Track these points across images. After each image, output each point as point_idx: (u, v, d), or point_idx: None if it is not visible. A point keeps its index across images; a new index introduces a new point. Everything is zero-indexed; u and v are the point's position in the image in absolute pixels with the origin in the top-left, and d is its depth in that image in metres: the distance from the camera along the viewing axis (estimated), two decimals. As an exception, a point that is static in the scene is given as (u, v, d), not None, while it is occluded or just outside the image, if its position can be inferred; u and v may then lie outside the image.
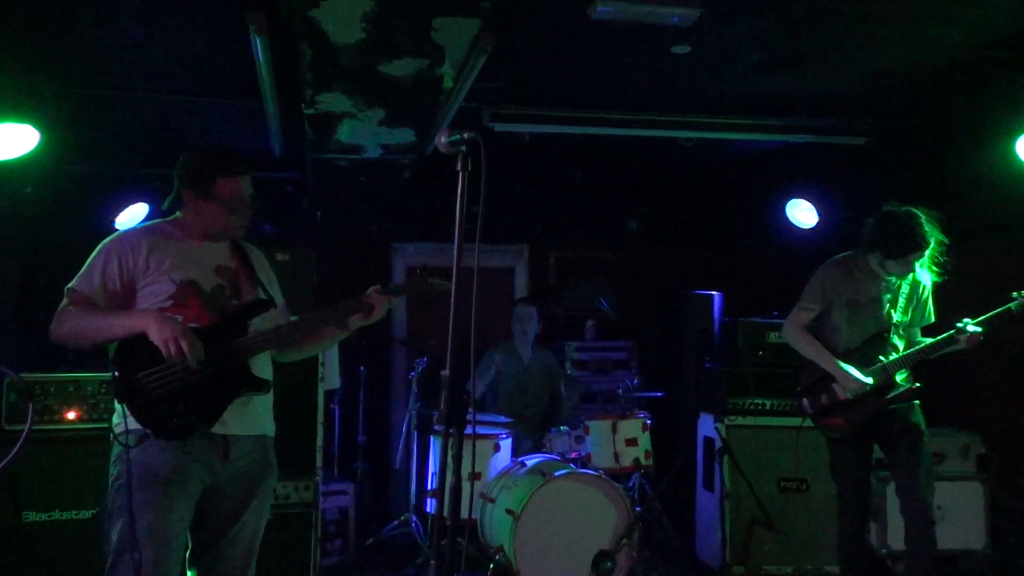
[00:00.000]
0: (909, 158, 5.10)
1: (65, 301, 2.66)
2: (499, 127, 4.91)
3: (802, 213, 6.03)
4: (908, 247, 3.78)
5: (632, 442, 4.94)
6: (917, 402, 3.97)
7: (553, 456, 4.84)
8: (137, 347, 2.50)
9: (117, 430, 2.56)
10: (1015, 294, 3.75)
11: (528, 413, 5.76)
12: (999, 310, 3.75)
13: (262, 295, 2.82)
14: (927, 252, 3.82)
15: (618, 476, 4.80)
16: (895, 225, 3.82)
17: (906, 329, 3.98)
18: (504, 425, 5.16)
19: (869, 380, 3.86)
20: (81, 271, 2.69)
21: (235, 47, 3.70)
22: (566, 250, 7.19)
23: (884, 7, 3.53)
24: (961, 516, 4.78)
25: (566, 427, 5.10)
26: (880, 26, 3.75)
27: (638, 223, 7.10)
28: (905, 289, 3.97)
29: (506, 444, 5.02)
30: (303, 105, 3.90)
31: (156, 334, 2.46)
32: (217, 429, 2.60)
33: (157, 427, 2.51)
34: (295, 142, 5.06)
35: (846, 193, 5.71)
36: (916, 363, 3.91)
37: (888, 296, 3.97)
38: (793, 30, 3.81)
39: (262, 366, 2.77)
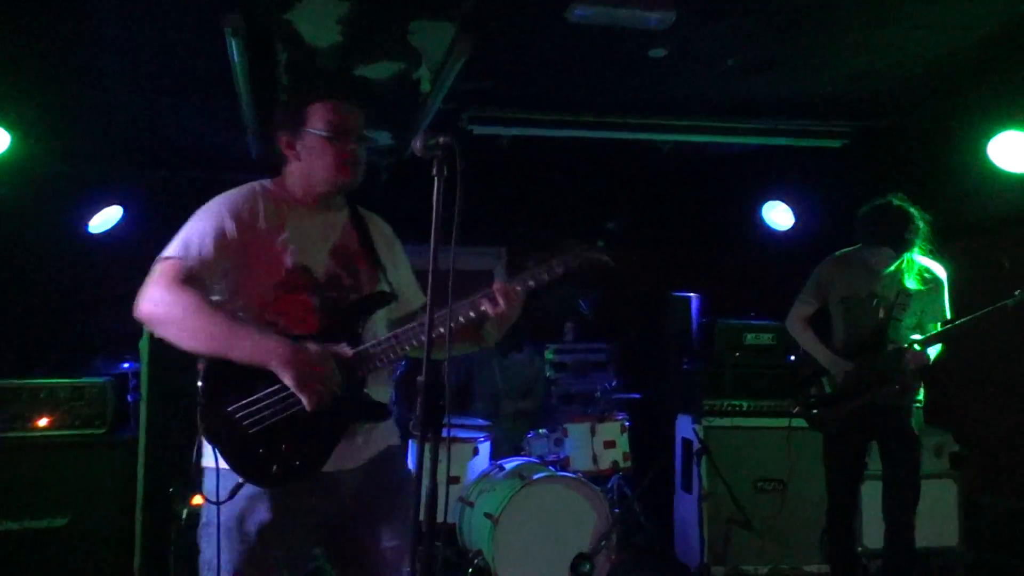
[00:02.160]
0: (884, 161, 5.15)
1: (163, 274, 2.07)
2: (478, 130, 4.90)
3: (779, 215, 6.08)
4: (881, 238, 3.84)
5: (611, 444, 4.95)
6: (918, 405, 3.96)
7: (532, 459, 4.84)
8: (231, 369, 2.01)
9: (206, 481, 2.07)
10: (1017, 292, 3.60)
11: (508, 415, 5.75)
12: (990, 309, 3.65)
13: (383, 285, 2.30)
14: (911, 251, 3.86)
15: (597, 478, 4.81)
16: (879, 214, 3.86)
17: (914, 328, 3.91)
18: (483, 428, 5.15)
19: (849, 368, 3.90)
20: (180, 235, 2.12)
21: (212, 47, 3.66)
22: (545, 252, 7.17)
23: (859, 12, 3.57)
24: (934, 514, 4.82)
25: (545, 429, 5.11)
26: (855, 30, 3.78)
27: (617, 225, 7.10)
28: (910, 286, 3.91)
29: (485, 447, 5.02)
30: (277, 108, 3.87)
31: (293, 380, 1.98)
32: (328, 466, 2.13)
33: (252, 474, 2.04)
34: (273, 144, 5.02)
35: (822, 195, 5.76)
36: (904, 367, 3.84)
37: (885, 293, 3.95)
38: (769, 34, 3.83)
39: (378, 383, 2.25)
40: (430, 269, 1.92)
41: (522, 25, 3.61)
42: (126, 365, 5.07)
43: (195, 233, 2.13)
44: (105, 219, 5.50)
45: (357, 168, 2.24)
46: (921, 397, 4.00)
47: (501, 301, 2.22)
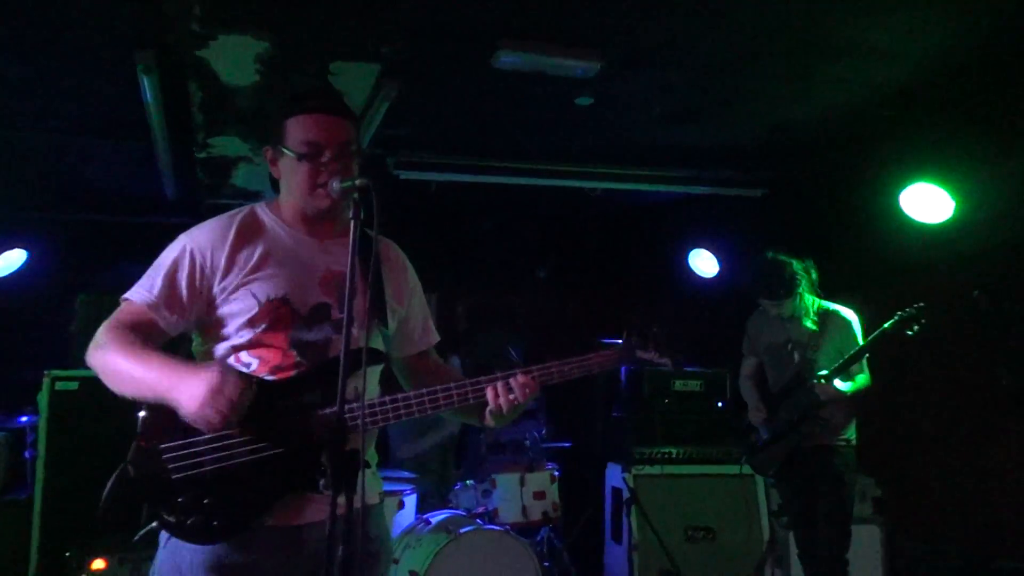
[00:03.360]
0: (802, 209, 5.28)
1: (111, 318, 1.93)
2: (404, 175, 4.84)
3: (703, 262, 6.16)
4: (763, 291, 4.03)
5: (540, 495, 4.83)
6: (844, 443, 4.01)
7: (459, 512, 4.68)
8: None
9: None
10: (898, 314, 3.79)
11: (433, 466, 5.59)
12: (875, 334, 3.80)
13: (384, 331, 2.06)
14: (797, 295, 3.99)
15: (526, 530, 4.68)
16: (758, 270, 4.08)
17: (831, 372, 3.90)
18: (409, 480, 4.98)
19: (762, 412, 4.08)
20: (146, 273, 1.97)
21: (125, 86, 3.52)
22: (475, 298, 7.11)
23: (775, 66, 3.67)
24: (859, 559, 4.83)
25: (472, 480, 4.96)
26: (773, 83, 3.89)
27: (547, 271, 7.10)
28: (820, 329, 4.02)
29: (411, 500, 4.83)
30: (194, 148, 3.73)
31: (195, 413, 1.74)
32: (278, 520, 1.89)
33: (171, 524, 1.84)
34: (189, 186, 4.85)
35: (745, 243, 5.86)
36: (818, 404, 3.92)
37: (799, 338, 4.08)
38: (691, 85, 3.91)
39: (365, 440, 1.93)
40: (345, 315, 1.79)
41: (448, 71, 3.59)
42: (24, 419, 4.75)
43: (152, 271, 1.97)
44: (6, 263, 5.19)
45: (337, 193, 1.93)
46: (852, 436, 4.07)
47: (517, 390, 1.98)
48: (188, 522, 1.84)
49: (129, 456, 1.87)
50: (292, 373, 1.95)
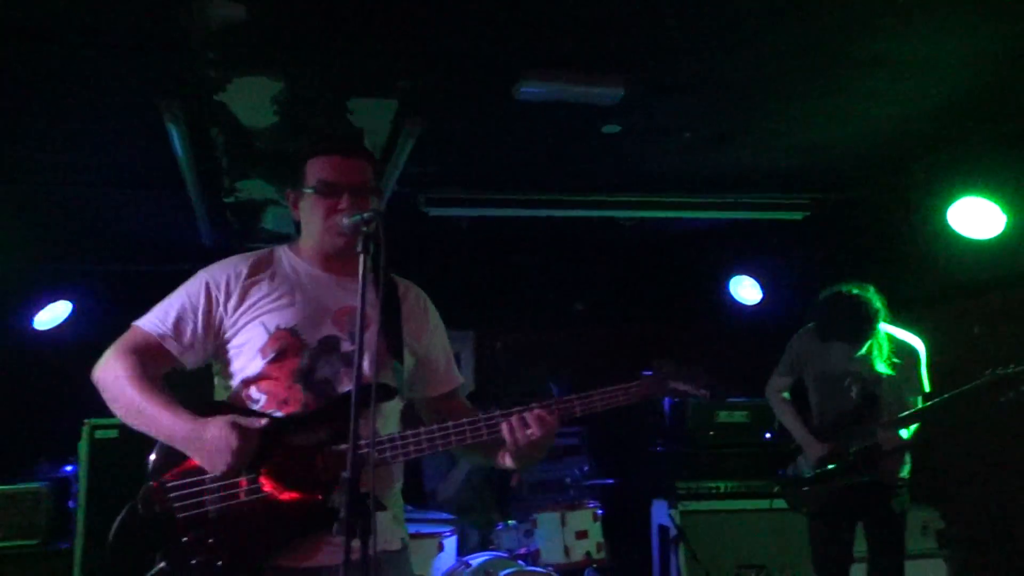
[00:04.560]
0: (846, 232, 5.12)
1: (119, 341, 1.98)
2: (434, 212, 4.82)
3: (745, 290, 6.01)
4: (832, 333, 3.77)
5: (583, 534, 4.68)
6: (900, 483, 3.79)
7: (500, 553, 4.56)
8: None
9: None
10: (988, 371, 3.48)
11: (476, 507, 5.48)
12: (959, 392, 3.49)
13: (398, 366, 2.01)
14: (874, 337, 3.73)
15: (569, 571, 4.54)
16: (828, 307, 3.79)
17: (894, 403, 3.76)
18: (448, 522, 4.88)
19: (823, 451, 3.76)
20: (160, 304, 2.02)
21: (156, 137, 3.58)
22: (513, 334, 7.05)
23: (806, 84, 3.56)
24: (925, 597, 4.60)
25: (514, 521, 4.85)
26: (806, 102, 3.78)
27: (584, 304, 7.01)
28: (884, 362, 3.77)
29: (450, 542, 4.73)
30: (222, 193, 3.77)
31: (207, 461, 1.80)
32: (290, 562, 1.85)
33: (177, 564, 1.81)
34: (224, 232, 4.91)
35: (788, 268, 5.71)
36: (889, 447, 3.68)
37: (859, 370, 3.82)
38: (721, 108, 3.82)
39: (382, 479, 1.90)
40: (357, 350, 1.74)
41: (470, 104, 3.56)
42: (69, 468, 4.79)
43: (166, 302, 2.03)
44: (52, 315, 5.30)
45: (346, 236, 1.94)
46: (907, 474, 3.84)
47: (533, 424, 1.89)
48: (193, 562, 1.82)
49: (139, 495, 1.87)
50: (298, 408, 1.93)
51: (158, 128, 3.38)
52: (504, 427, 1.90)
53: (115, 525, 1.90)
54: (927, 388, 3.83)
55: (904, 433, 3.69)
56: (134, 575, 1.87)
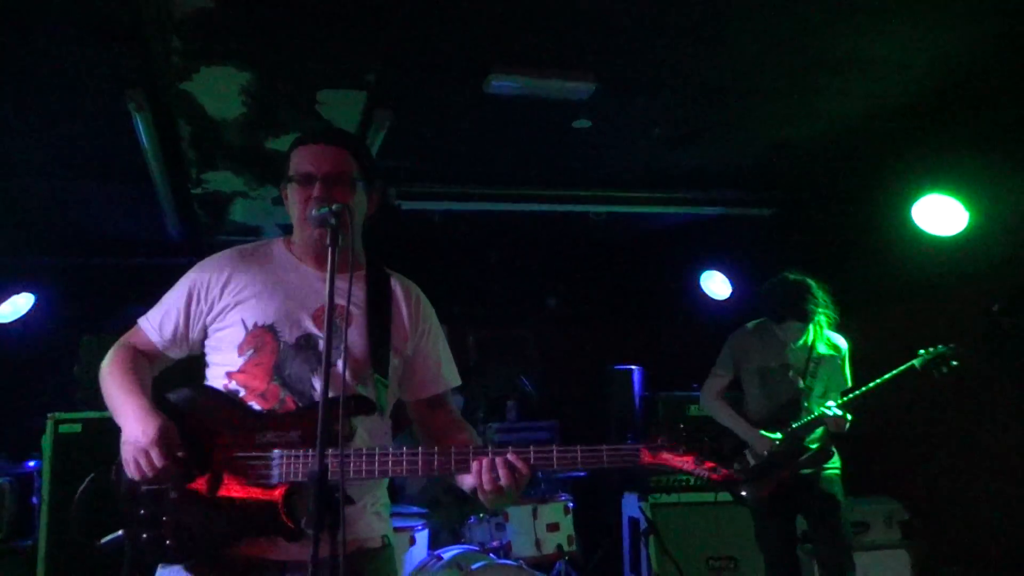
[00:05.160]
0: (813, 227, 5.18)
1: (123, 337, 2.06)
2: (406, 205, 4.80)
3: (716, 285, 6.06)
4: (784, 313, 3.89)
5: (554, 527, 4.70)
6: (836, 471, 3.95)
7: (472, 547, 4.56)
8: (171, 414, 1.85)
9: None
10: (920, 351, 3.77)
11: (446, 500, 5.47)
12: (902, 368, 3.76)
13: (375, 378, 1.94)
14: (816, 320, 3.89)
15: (540, 564, 4.55)
16: (777, 291, 3.95)
17: (821, 396, 3.93)
18: (420, 516, 4.87)
19: (777, 436, 3.86)
20: (161, 299, 2.06)
21: (121, 128, 3.52)
22: (485, 329, 7.04)
23: (775, 83, 3.60)
24: (890, 587, 4.68)
25: (485, 514, 4.85)
26: (774, 100, 3.82)
27: (556, 300, 7.02)
28: (816, 356, 3.96)
29: (422, 536, 4.72)
30: (189, 185, 3.72)
31: (124, 448, 1.83)
32: (249, 551, 1.83)
33: (129, 533, 1.85)
34: (191, 225, 4.84)
35: (756, 264, 5.76)
36: (827, 434, 3.86)
37: (797, 363, 3.98)
38: (691, 105, 3.85)
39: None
40: (326, 342, 1.72)
41: (440, 98, 3.55)
42: (32, 464, 4.71)
43: (163, 300, 2.06)
44: (14, 308, 5.20)
45: (328, 224, 1.78)
46: (838, 464, 3.97)
47: (500, 473, 1.78)
48: (144, 536, 1.83)
49: (115, 462, 1.90)
50: (275, 403, 1.91)
51: (123, 118, 3.32)
52: (473, 466, 1.81)
53: (82, 486, 1.99)
54: (849, 384, 3.99)
55: (848, 416, 3.79)
56: (94, 538, 1.92)
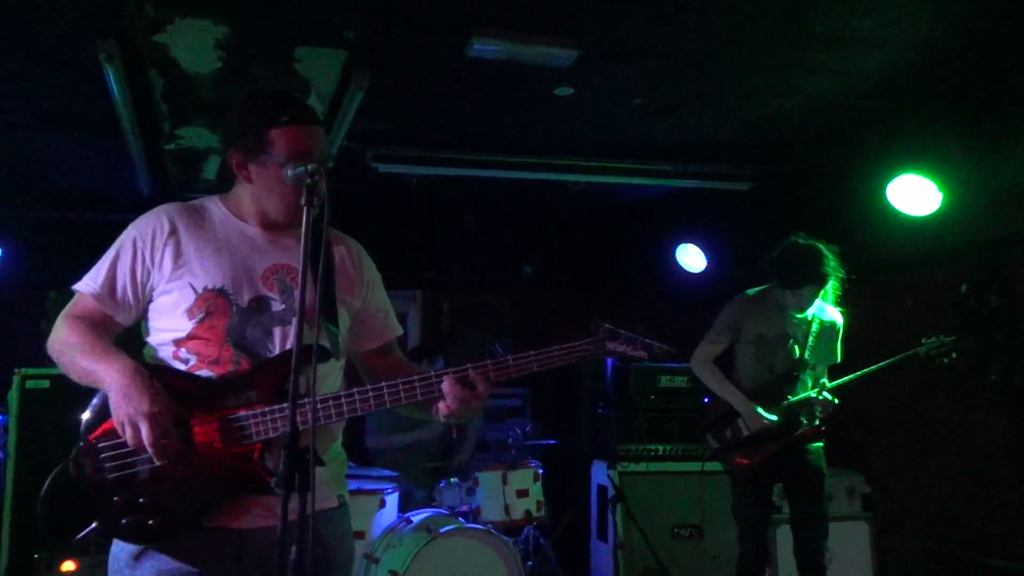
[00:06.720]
0: (789, 202, 5.21)
1: (66, 308, 1.97)
2: (383, 168, 4.76)
3: (691, 257, 6.09)
4: (801, 279, 3.80)
5: (523, 493, 4.75)
6: (820, 445, 3.98)
7: (442, 511, 4.60)
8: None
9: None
10: (924, 340, 3.81)
11: (419, 464, 5.50)
12: (905, 355, 3.81)
13: (332, 329, 1.98)
14: (825, 287, 3.84)
15: (509, 529, 4.60)
16: (792, 256, 3.85)
17: (813, 369, 3.93)
18: (391, 479, 4.90)
19: (773, 417, 3.85)
20: (96, 264, 1.97)
21: (92, 80, 3.43)
22: (460, 295, 7.04)
23: (756, 57, 3.59)
24: (848, 556, 4.78)
25: (456, 479, 4.89)
26: (753, 75, 3.82)
27: (532, 268, 7.03)
28: (815, 328, 3.93)
29: (392, 499, 4.75)
30: (162, 140, 3.64)
31: (114, 408, 1.77)
32: (215, 522, 1.84)
33: (107, 524, 1.82)
34: (163, 182, 4.76)
35: (732, 238, 5.80)
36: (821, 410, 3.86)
37: (796, 333, 3.95)
38: (672, 76, 3.84)
39: (320, 435, 1.88)
40: (298, 308, 1.72)
41: (421, 60, 3.50)
42: (-2, 419, 4.65)
43: (99, 262, 1.97)
44: (-21, 262, 5.11)
45: (320, 204, 1.83)
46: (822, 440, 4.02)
47: (467, 387, 1.87)
48: (124, 522, 1.81)
49: (70, 456, 1.85)
50: (230, 367, 1.90)
51: (95, 70, 3.24)
52: (444, 385, 1.88)
53: (46, 486, 1.88)
54: (839, 359, 4.02)
55: (836, 400, 3.84)
56: (66, 535, 1.86)
